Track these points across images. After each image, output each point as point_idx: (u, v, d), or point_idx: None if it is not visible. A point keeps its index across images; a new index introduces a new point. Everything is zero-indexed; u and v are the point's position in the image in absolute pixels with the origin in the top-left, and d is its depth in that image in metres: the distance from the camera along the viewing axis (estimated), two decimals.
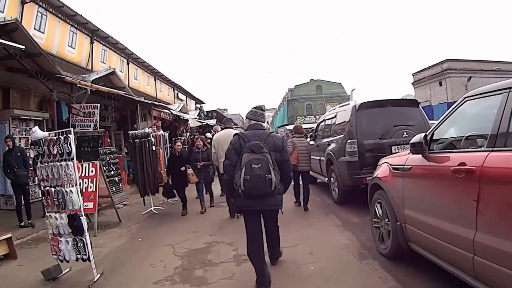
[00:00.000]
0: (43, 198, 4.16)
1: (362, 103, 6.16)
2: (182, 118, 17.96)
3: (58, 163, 3.90)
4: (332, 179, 6.91)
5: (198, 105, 31.07)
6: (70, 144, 3.82)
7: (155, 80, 20.99)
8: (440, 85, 25.40)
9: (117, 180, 8.91)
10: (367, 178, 5.50)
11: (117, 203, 8.44)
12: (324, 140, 7.51)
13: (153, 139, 7.84)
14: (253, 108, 3.71)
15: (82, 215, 3.95)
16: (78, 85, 8.47)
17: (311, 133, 9.42)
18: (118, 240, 5.75)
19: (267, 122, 57.31)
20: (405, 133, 5.75)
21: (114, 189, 8.60)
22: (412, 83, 29.00)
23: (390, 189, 3.55)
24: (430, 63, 28.16)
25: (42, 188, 4.14)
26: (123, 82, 12.50)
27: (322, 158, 7.45)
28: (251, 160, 3.13)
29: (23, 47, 5.74)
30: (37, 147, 4.04)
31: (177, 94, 26.00)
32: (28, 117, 8.55)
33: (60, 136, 3.89)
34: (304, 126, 8.80)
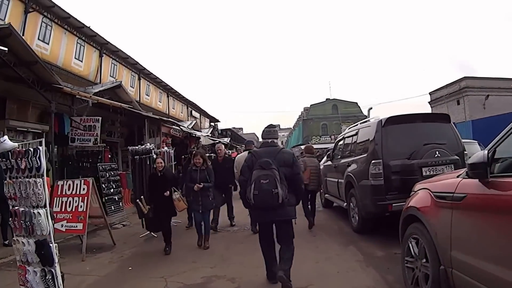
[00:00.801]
0: (10, 219, 3.54)
1: (389, 118, 5.44)
2: (193, 135, 17.54)
3: (26, 180, 3.29)
4: (351, 204, 6.13)
5: (212, 123, 30.83)
6: (39, 157, 3.22)
7: (167, 96, 20.75)
8: (458, 103, 24.63)
9: (116, 199, 8.34)
10: (393, 204, 4.87)
11: (116, 223, 7.91)
12: (343, 161, 6.72)
13: (155, 156, 7.26)
14: (265, 127, 4.02)
15: (52, 242, 3.30)
16: (77, 96, 8.05)
17: (328, 152, 8.69)
18: (106, 267, 5.12)
19: (282, 142, 56.58)
20: (437, 152, 5.02)
21: (113, 208, 8.09)
22: (429, 102, 28.39)
23: (432, 223, 2.79)
24: (443, 81, 27.54)
25: (10, 208, 3.54)
26: (130, 96, 12.09)
27: (340, 180, 6.66)
28: (260, 176, 3.43)
29: (6, 49, 5.32)
30: (4, 160, 3.45)
31: (191, 111, 25.79)
32: (26, 129, 8.24)
33: (30, 148, 3.29)
34: (319, 146, 8.15)
